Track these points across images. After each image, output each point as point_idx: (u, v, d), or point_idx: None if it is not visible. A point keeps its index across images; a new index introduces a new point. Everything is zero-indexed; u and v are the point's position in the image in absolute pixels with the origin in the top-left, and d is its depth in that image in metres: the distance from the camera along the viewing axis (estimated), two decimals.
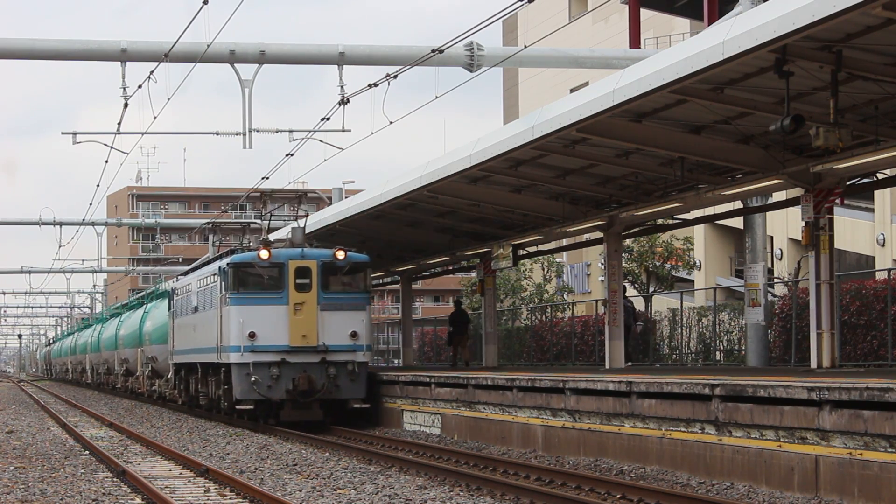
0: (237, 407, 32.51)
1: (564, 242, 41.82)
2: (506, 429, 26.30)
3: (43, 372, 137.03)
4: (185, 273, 43.39)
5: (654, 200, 29.80)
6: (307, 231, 35.24)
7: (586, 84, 58.62)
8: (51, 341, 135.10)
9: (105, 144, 37.58)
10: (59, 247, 65.00)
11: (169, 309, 43.91)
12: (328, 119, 30.56)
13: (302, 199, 37.16)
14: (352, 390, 32.49)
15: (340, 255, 32.61)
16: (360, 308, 32.72)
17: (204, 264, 39.27)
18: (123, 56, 30.38)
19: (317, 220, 39.95)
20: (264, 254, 32.26)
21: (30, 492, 19.69)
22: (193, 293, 38.25)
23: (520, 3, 20.51)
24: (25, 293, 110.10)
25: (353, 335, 32.41)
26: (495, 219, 35.67)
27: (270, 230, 38.11)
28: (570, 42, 61.91)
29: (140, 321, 54.57)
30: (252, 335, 32.05)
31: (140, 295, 68.35)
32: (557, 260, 63.38)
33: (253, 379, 31.98)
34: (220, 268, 33.57)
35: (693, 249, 54.30)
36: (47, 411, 47.14)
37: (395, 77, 26.72)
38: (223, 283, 33.10)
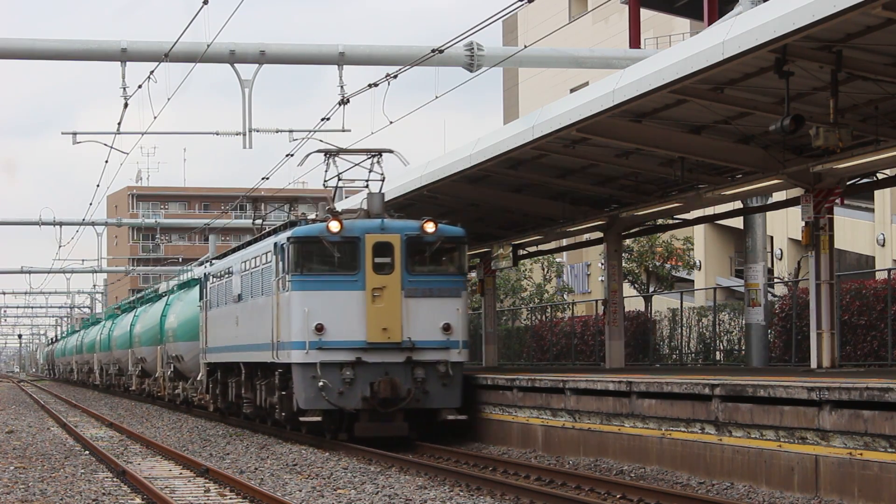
0: (301, 419, 26.61)
1: (564, 242, 41.83)
2: (505, 428, 26.30)
3: (45, 372, 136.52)
4: (221, 256, 36.66)
5: (654, 200, 29.81)
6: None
7: (586, 84, 58.62)
8: (54, 340, 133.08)
9: (105, 144, 37.65)
10: (59, 247, 65.08)
11: (200, 299, 37.79)
12: (328, 119, 30.58)
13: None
14: (444, 397, 26.58)
15: (430, 227, 26.72)
16: (455, 294, 27.09)
17: (243, 246, 33.08)
18: (123, 56, 30.38)
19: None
20: (335, 226, 26.34)
21: (30, 492, 19.70)
22: (236, 278, 32.09)
23: (520, 3, 20.52)
24: (25, 293, 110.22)
25: (446, 328, 26.67)
26: (495, 219, 35.68)
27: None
28: (570, 42, 61.93)
29: (161, 315, 48.19)
30: (319, 328, 26.26)
31: (151, 287, 67.76)
32: (557, 260, 63.40)
33: (321, 383, 26.15)
34: (276, 244, 27.61)
35: (693, 249, 54.31)
36: (47, 411, 47.14)
37: (395, 77, 26.73)
38: (281, 264, 27.14)
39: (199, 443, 29.38)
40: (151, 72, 29.70)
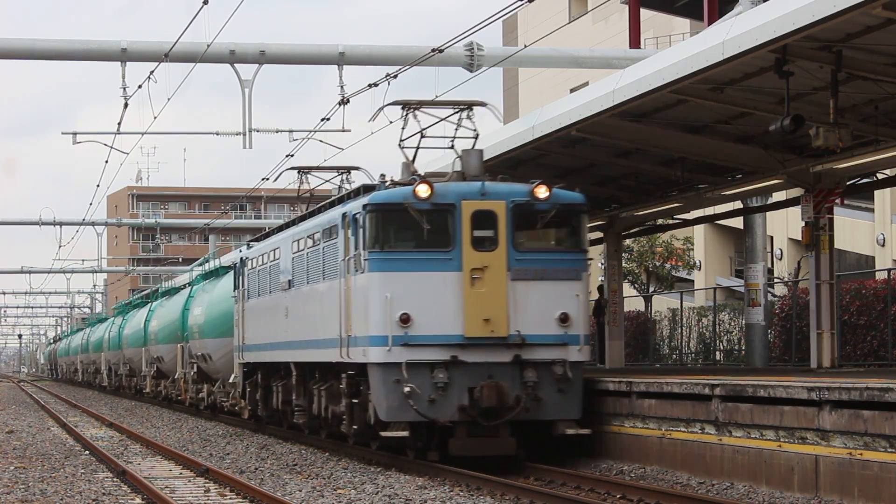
0: (382, 433, 21.24)
1: None
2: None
3: (47, 372, 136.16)
4: (261, 238, 31.25)
5: (653, 200, 29.83)
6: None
7: (586, 84, 58.60)
8: (56, 338, 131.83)
9: (105, 144, 37.67)
10: (59, 247, 65.09)
11: (235, 288, 32.58)
12: (328, 119, 30.59)
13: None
14: (561, 406, 21.39)
15: (543, 191, 21.45)
16: (574, 276, 21.65)
17: (292, 224, 27.73)
18: (123, 56, 30.38)
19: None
20: (423, 189, 21.17)
21: (30, 492, 19.70)
22: (285, 261, 27.11)
23: (520, 3, 20.51)
24: (25, 293, 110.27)
25: (564, 319, 21.41)
26: None
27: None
28: (570, 42, 61.92)
29: (182, 309, 43.09)
30: (405, 319, 21.03)
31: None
32: None
33: (407, 389, 20.88)
34: (345, 216, 22.51)
35: (693, 249, 54.32)
36: (47, 411, 47.14)
37: (395, 77, 26.72)
38: (354, 239, 21.97)
39: (199, 443, 29.38)
40: (151, 72, 29.72)
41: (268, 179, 36.32)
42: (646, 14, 52.59)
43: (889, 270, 31.75)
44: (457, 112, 23.25)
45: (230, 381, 34.52)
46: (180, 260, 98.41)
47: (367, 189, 22.29)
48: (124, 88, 30.85)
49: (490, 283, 21.09)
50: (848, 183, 24.64)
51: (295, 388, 26.95)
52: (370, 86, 26.90)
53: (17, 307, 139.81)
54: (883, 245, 43.43)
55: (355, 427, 22.94)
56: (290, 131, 35.32)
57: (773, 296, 37.60)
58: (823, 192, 24.11)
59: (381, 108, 24.14)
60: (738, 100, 22.20)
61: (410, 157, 23.32)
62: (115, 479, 21.49)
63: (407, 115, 23.31)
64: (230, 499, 18.93)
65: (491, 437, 21.14)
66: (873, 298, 30.73)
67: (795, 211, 40.00)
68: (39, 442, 30.53)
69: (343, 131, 31.94)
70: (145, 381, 52.33)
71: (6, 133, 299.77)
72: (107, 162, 41.08)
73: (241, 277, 31.71)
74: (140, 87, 30.03)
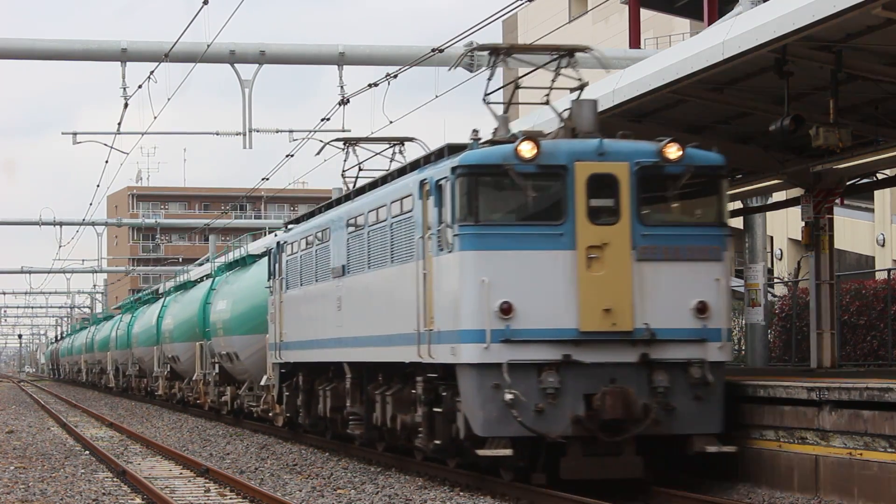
0: (480, 452, 17.28)
1: None
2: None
3: (49, 372, 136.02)
4: (301, 219, 27.35)
5: None
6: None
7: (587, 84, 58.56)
8: (58, 337, 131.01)
9: (105, 144, 37.70)
10: (59, 247, 65.19)
11: (271, 277, 28.54)
12: (328, 119, 30.60)
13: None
14: (699, 418, 17.55)
15: (674, 150, 17.74)
16: (714, 257, 17.87)
17: (342, 200, 23.88)
18: (123, 56, 30.39)
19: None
20: (528, 148, 17.37)
21: (30, 492, 19.71)
22: (337, 243, 23.08)
23: (520, 4, 20.50)
24: (25, 293, 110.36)
25: (701, 310, 17.66)
26: None
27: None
28: (570, 42, 61.92)
29: (202, 303, 39.59)
30: (506, 309, 17.19)
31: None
32: None
33: (509, 396, 17.03)
34: (423, 182, 18.71)
35: None
36: (47, 411, 47.15)
37: (395, 77, 26.72)
38: (437, 211, 18.10)
39: (199, 443, 29.39)
40: (151, 72, 29.73)
41: (268, 179, 36.35)
42: (646, 14, 52.58)
43: (889, 270, 31.75)
44: (555, 59, 19.83)
45: (261, 383, 31.62)
46: (180, 260, 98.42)
47: (453, 150, 18.41)
48: (124, 88, 30.87)
49: (610, 264, 17.33)
50: (848, 183, 24.64)
51: (349, 392, 23.11)
52: (370, 86, 26.91)
53: (17, 307, 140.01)
54: (883, 245, 43.44)
55: (437, 442, 18.83)
56: (290, 131, 35.36)
57: (773, 296, 37.60)
58: (823, 193, 24.11)
59: (470, 51, 19.95)
60: (738, 100, 22.20)
61: (500, 112, 19.24)
62: (115, 479, 21.50)
63: (494, 60, 20.13)
64: (230, 499, 18.93)
65: (613, 456, 17.25)
66: (873, 298, 30.74)
67: (795, 211, 39.97)
68: (39, 442, 30.54)
69: (343, 131, 31.92)
70: (157, 382, 49.24)
71: (6, 133, 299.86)
72: (107, 162, 41.14)
73: (277, 265, 27.83)
74: (140, 87, 30.07)
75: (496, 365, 17.11)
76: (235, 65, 30.90)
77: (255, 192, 49.90)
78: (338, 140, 21.82)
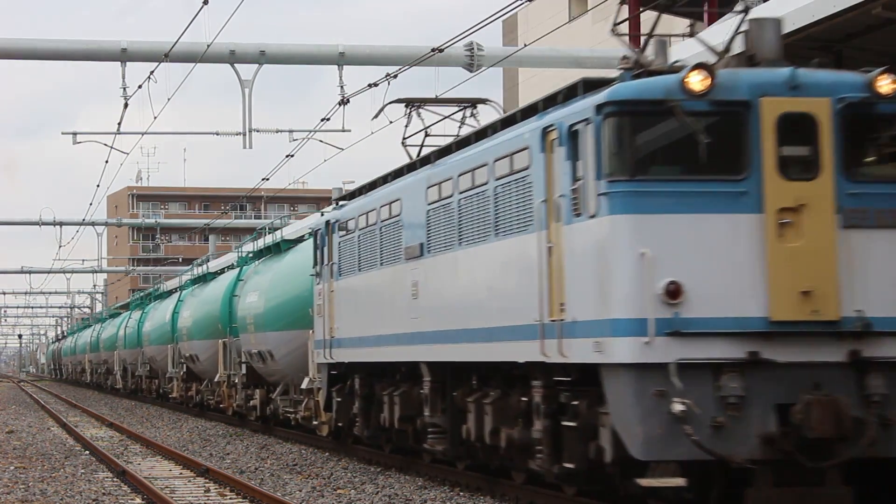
0: (643, 482, 13.20)
1: None
2: None
3: (50, 373, 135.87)
4: (356, 193, 23.37)
5: None
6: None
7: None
8: (61, 336, 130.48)
9: (105, 144, 37.63)
10: (60, 247, 65.14)
11: (317, 263, 24.54)
12: (328, 119, 30.59)
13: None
14: None
15: (887, 82, 13.94)
16: None
17: (412, 167, 20.00)
18: (123, 56, 30.37)
19: None
20: (699, 79, 13.40)
21: (30, 492, 19.71)
22: (411, 217, 19.16)
23: (520, 3, 20.51)
24: (25, 293, 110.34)
25: None
26: None
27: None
28: (570, 42, 61.98)
29: (227, 296, 35.61)
30: (673, 292, 13.12)
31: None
32: None
33: (680, 407, 12.94)
34: (546, 130, 14.79)
35: None
36: (47, 411, 47.16)
37: (395, 77, 26.72)
38: (571, 164, 14.12)
39: (199, 443, 29.40)
40: (151, 72, 29.72)
41: (268, 179, 36.34)
42: (646, 14, 52.60)
43: None
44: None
45: (302, 386, 27.93)
46: (180, 260, 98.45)
47: (590, 85, 14.48)
48: (124, 88, 30.85)
49: (809, 232, 13.26)
50: None
51: (428, 399, 18.98)
52: (370, 86, 26.91)
53: (18, 307, 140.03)
54: None
55: (568, 466, 14.49)
56: (290, 131, 35.34)
57: None
58: None
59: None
60: None
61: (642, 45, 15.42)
62: (115, 479, 21.51)
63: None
64: (230, 499, 18.93)
65: (814, 487, 13.18)
66: None
67: None
68: (39, 442, 30.55)
69: (343, 131, 31.94)
70: (172, 383, 45.29)
71: (6, 133, 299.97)
72: (107, 162, 41.08)
73: (326, 248, 23.84)
74: (140, 87, 30.06)
75: (661, 365, 13.01)
76: (235, 65, 30.88)
77: (255, 192, 49.88)
78: (398, 101, 19.55)
